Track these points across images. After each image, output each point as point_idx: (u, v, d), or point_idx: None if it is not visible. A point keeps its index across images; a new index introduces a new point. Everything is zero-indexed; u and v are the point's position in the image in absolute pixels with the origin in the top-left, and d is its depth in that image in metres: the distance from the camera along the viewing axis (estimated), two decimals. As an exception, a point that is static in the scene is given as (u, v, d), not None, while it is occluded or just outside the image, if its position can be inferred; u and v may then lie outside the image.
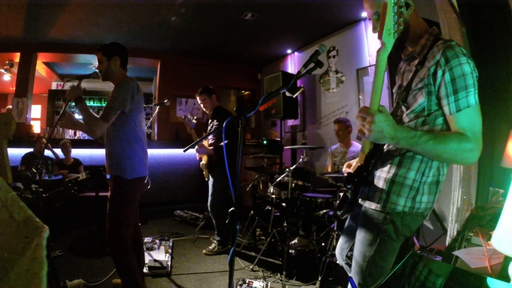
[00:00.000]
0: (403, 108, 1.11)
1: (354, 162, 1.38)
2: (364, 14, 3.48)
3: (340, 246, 1.40)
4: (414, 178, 1.05)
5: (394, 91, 1.27)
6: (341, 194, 2.74)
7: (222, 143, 2.93)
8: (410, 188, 1.06)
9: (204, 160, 3.14)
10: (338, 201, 2.63)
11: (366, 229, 1.14)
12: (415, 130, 0.94)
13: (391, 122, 0.90)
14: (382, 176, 1.12)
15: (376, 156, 1.12)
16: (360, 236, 1.16)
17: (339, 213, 1.25)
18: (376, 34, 1.06)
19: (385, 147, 1.15)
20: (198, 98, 3.14)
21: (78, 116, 6.82)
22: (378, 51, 0.93)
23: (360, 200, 1.19)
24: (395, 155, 1.09)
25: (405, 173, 1.06)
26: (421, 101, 1.02)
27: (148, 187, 3.35)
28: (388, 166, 1.11)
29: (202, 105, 3.15)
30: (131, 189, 1.92)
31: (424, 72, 1.01)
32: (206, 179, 3.22)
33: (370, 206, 1.13)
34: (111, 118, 1.82)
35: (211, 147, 2.98)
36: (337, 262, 1.46)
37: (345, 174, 1.37)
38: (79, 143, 4.61)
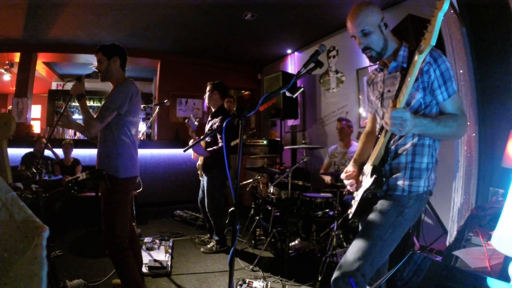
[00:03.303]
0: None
1: (351, 169, 1.43)
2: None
3: None
4: (427, 161, 1.25)
5: (373, 99, 1.41)
6: (340, 194, 2.74)
7: (216, 147, 2.93)
8: (426, 170, 1.25)
9: (200, 161, 3.15)
10: (338, 203, 2.63)
11: (385, 213, 1.23)
12: (425, 118, 1.13)
13: (412, 114, 1.08)
14: (401, 167, 1.26)
15: (387, 156, 1.26)
16: (377, 218, 1.24)
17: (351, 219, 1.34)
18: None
19: (391, 142, 1.28)
20: (208, 87, 3.12)
21: (77, 116, 6.83)
22: (422, 52, 0.99)
23: (378, 194, 1.30)
24: (407, 148, 1.25)
25: (420, 159, 1.24)
26: (419, 97, 1.20)
27: (140, 189, 3.35)
28: (404, 157, 1.25)
29: (206, 96, 3.12)
30: (124, 188, 1.93)
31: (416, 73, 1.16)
32: (200, 178, 3.24)
33: (394, 192, 1.25)
34: (107, 118, 1.84)
35: (207, 150, 2.95)
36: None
37: (349, 187, 1.44)
38: (80, 143, 4.60)
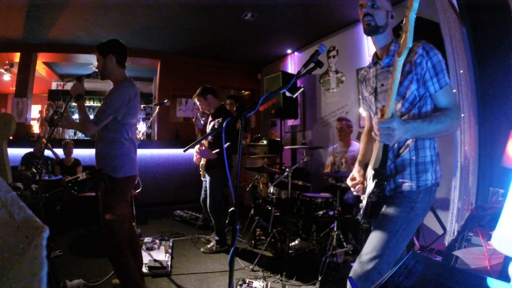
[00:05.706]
0: (395, 102, 1.20)
1: (356, 174, 1.42)
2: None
3: None
4: (431, 153, 1.26)
5: (366, 95, 1.43)
6: (340, 194, 2.74)
7: (223, 146, 2.92)
8: (431, 162, 1.26)
9: (203, 161, 3.15)
10: (338, 203, 2.63)
11: (397, 210, 1.24)
12: (415, 121, 1.13)
13: (401, 121, 1.08)
14: (405, 163, 1.27)
15: (386, 158, 1.22)
16: (389, 216, 1.24)
17: (362, 221, 1.35)
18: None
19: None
20: (195, 100, 3.20)
21: (77, 116, 6.83)
22: (400, 55, 0.99)
23: (388, 193, 1.30)
24: (408, 144, 1.26)
25: (423, 153, 1.25)
26: (413, 89, 1.21)
27: (139, 189, 3.36)
28: (407, 154, 1.26)
29: (200, 107, 3.19)
30: (122, 188, 1.94)
31: (409, 67, 1.21)
32: (202, 178, 3.23)
33: (403, 188, 1.25)
34: (102, 122, 1.84)
35: (214, 152, 2.95)
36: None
37: (354, 193, 1.42)
38: (80, 143, 4.61)
